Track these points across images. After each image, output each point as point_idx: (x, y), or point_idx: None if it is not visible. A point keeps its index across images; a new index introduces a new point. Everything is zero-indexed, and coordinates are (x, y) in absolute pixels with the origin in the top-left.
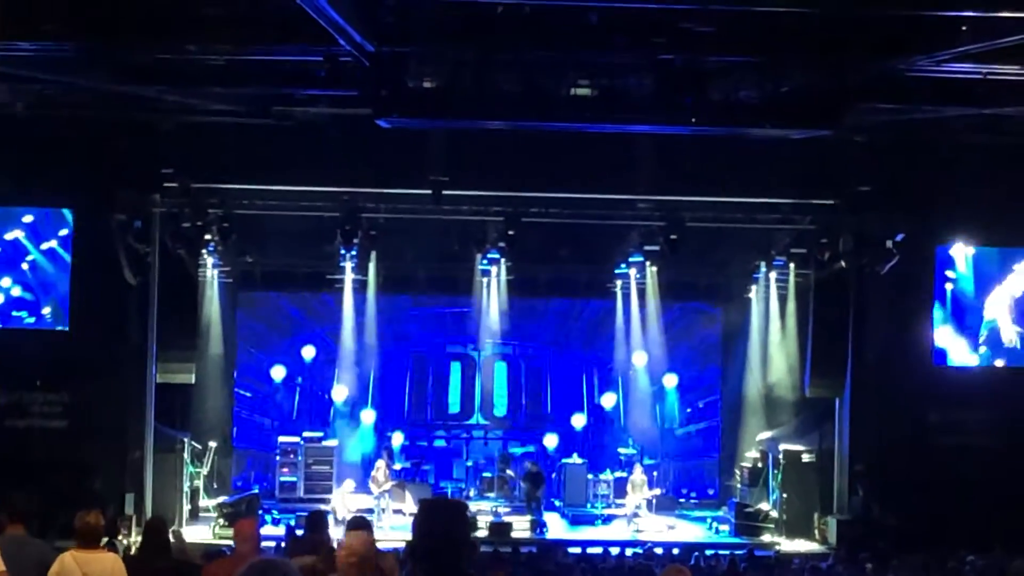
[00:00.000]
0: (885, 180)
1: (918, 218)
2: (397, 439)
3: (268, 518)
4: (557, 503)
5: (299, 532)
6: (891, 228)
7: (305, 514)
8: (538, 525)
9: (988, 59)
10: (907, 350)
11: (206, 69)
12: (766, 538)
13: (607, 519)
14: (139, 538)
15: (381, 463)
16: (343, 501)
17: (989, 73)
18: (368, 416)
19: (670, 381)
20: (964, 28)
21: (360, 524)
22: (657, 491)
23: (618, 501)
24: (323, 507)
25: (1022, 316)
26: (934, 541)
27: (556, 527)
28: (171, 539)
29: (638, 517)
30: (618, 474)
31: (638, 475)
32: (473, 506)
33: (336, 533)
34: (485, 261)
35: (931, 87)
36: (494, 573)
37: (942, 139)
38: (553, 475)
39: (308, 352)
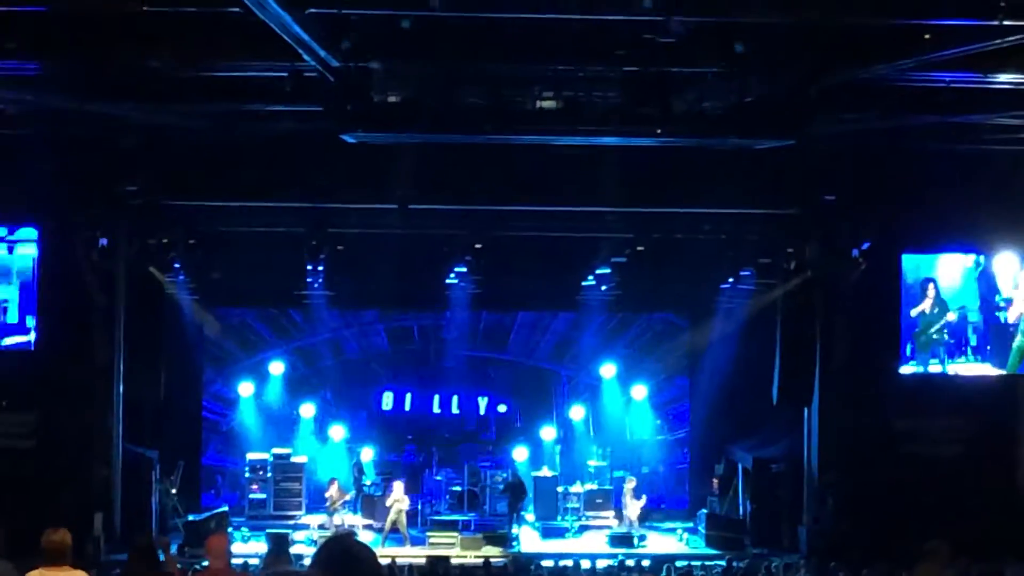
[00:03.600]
0: (850, 189)
1: (883, 226)
2: (367, 454)
3: (238, 535)
4: (528, 516)
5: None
6: (857, 237)
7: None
8: (508, 540)
9: (951, 67)
10: (874, 359)
11: (171, 86)
12: (736, 549)
13: (579, 531)
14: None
15: (334, 481)
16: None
17: (952, 81)
18: (337, 432)
19: (639, 392)
20: (927, 36)
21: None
22: (642, 500)
23: (588, 513)
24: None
25: (987, 322)
26: (904, 549)
27: (528, 540)
28: (159, 549)
29: (636, 528)
30: (589, 486)
31: (631, 487)
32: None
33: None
34: (452, 275)
35: (895, 96)
36: None
37: (906, 148)
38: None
39: (276, 368)
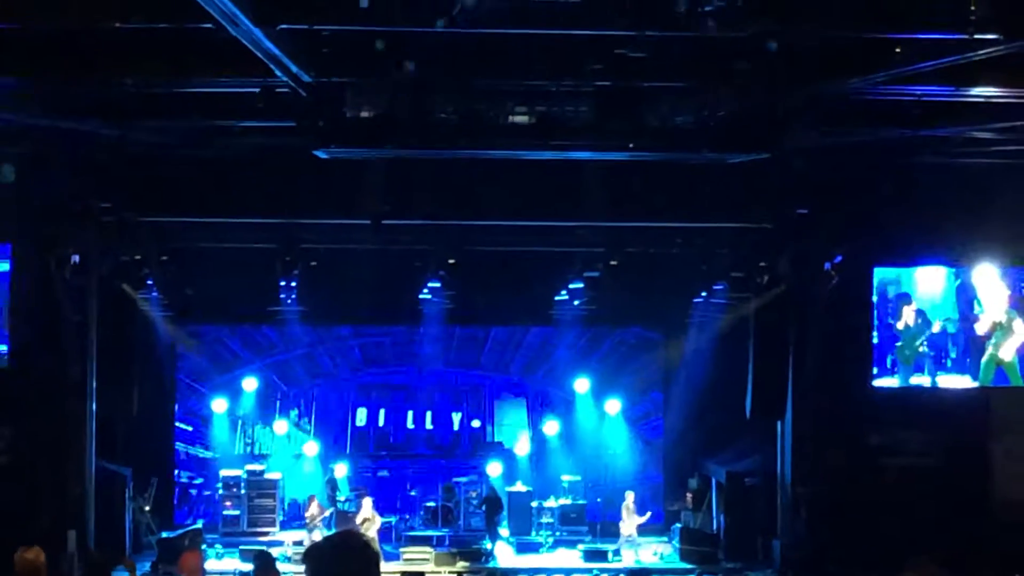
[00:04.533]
0: (822, 202)
1: (856, 240)
2: (341, 470)
3: (211, 552)
4: (502, 531)
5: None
6: (829, 250)
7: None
8: (485, 555)
9: (923, 80)
10: (847, 372)
11: (143, 102)
12: (710, 563)
13: (553, 546)
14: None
15: (313, 498)
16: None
17: (924, 94)
18: (311, 448)
19: (613, 407)
20: (898, 50)
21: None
22: (647, 515)
23: (563, 527)
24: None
25: (966, 335)
26: (878, 562)
27: (502, 555)
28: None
29: (635, 543)
30: (563, 501)
31: (630, 501)
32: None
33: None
34: (426, 290)
35: (866, 109)
36: None
37: (879, 161)
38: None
39: (250, 384)
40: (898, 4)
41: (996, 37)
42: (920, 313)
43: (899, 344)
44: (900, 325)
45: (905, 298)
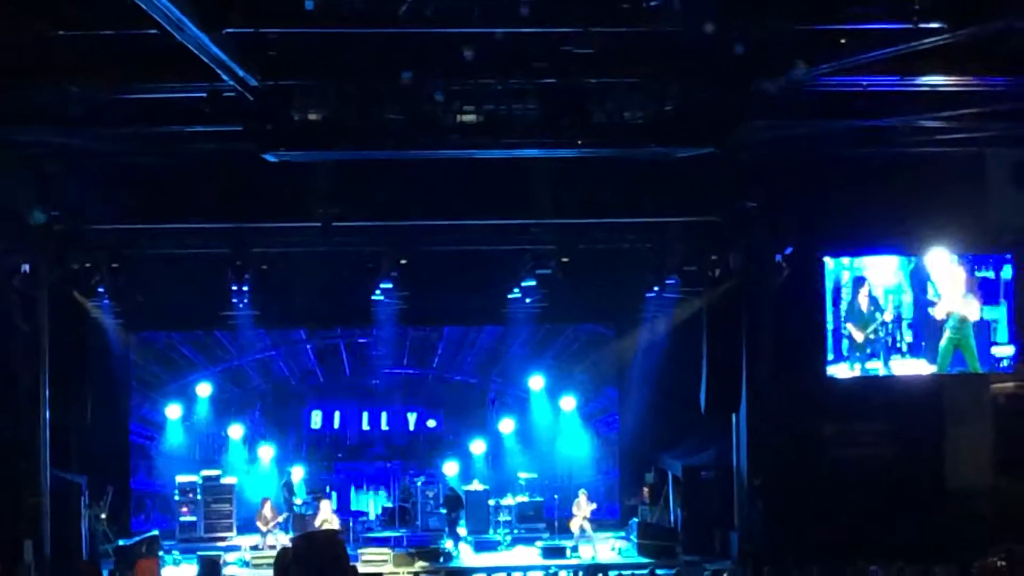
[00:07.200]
0: (771, 195)
1: (806, 231)
2: (297, 473)
3: (169, 559)
4: (460, 530)
5: None
6: (779, 242)
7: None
8: (444, 554)
9: (869, 71)
10: (799, 363)
11: (89, 109)
12: (668, 556)
13: (511, 544)
14: None
15: (267, 501)
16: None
17: (870, 85)
18: (267, 452)
19: (568, 404)
20: (843, 41)
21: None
22: (593, 505)
23: (520, 525)
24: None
25: (920, 320)
26: (835, 552)
27: (460, 554)
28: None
29: (590, 539)
30: (520, 498)
31: (583, 500)
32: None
33: None
34: (378, 291)
35: (812, 101)
36: None
37: (826, 152)
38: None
39: (204, 390)
40: None
41: (940, 26)
42: (872, 300)
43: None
44: (856, 306)
45: (860, 282)
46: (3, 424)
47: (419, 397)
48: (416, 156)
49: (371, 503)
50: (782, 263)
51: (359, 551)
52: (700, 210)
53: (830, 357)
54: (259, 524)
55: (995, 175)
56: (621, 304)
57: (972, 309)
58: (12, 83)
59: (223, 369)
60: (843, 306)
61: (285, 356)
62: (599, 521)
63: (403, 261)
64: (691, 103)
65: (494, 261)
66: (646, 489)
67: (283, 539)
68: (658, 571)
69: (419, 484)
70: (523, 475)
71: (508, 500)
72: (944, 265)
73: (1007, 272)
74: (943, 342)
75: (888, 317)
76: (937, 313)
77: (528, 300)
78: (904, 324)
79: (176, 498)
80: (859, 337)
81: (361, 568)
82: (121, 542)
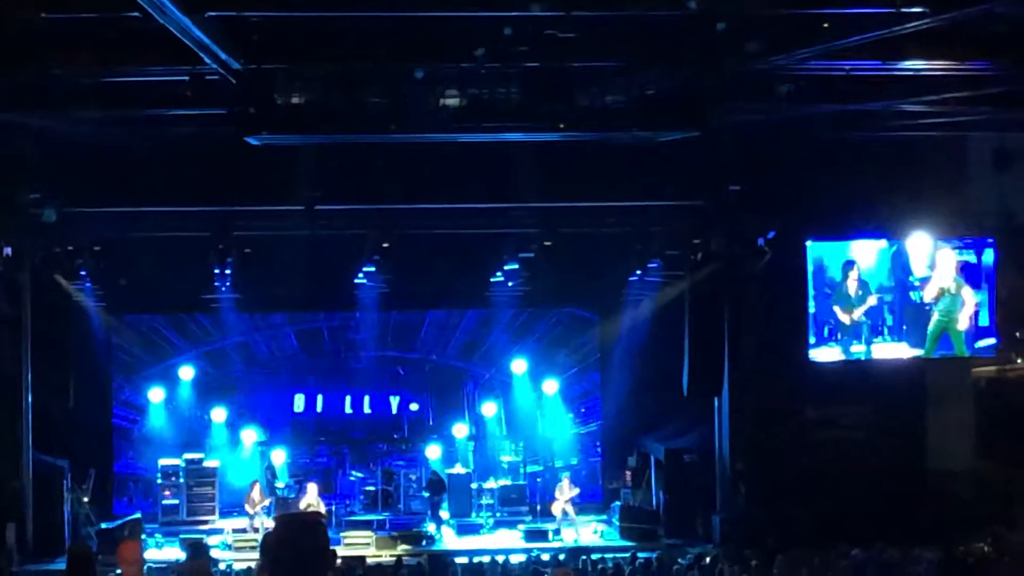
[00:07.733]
0: (754, 179)
1: (788, 215)
2: (279, 457)
3: (151, 542)
4: (443, 513)
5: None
6: (762, 226)
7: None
8: (427, 537)
9: (851, 55)
10: (782, 347)
11: (72, 92)
12: (650, 540)
13: (493, 527)
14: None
15: (256, 483)
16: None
17: (853, 69)
18: (249, 435)
19: (550, 387)
20: (826, 25)
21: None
22: (576, 490)
23: (503, 508)
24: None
25: (902, 303)
26: (817, 535)
27: (443, 537)
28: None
29: (572, 522)
30: (503, 482)
31: (566, 484)
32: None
33: None
34: (361, 275)
35: (796, 85)
36: None
37: (809, 136)
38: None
39: (186, 373)
40: None
41: (922, 10)
42: (862, 283)
43: (826, 320)
44: (844, 289)
45: (849, 265)
46: None
47: (402, 381)
48: (399, 140)
49: (353, 486)
50: (765, 247)
51: (341, 534)
52: (683, 194)
53: (812, 341)
54: (247, 507)
55: (977, 159)
56: (604, 288)
57: (966, 291)
58: None
59: (206, 352)
60: (834, 289)
61: (268, 339)
62: (581, 504)
63: (386, 245)
64: (673, 87)
65: (477, 245)
66: (628, 472)
67: (268, 523)
68: (640, 554)
69: (402, 467)
70: (506, 458)
71: (490, 483)
72: (933, 248)
73: (988, 257)
74: (931, 325)
75: (874, 301)
76: (925, 295)
77: (511, 284)
78: (885, 308)
79: (159, 481)
80: (846, 320)
81: (344, 551)
82: (104, 525)
